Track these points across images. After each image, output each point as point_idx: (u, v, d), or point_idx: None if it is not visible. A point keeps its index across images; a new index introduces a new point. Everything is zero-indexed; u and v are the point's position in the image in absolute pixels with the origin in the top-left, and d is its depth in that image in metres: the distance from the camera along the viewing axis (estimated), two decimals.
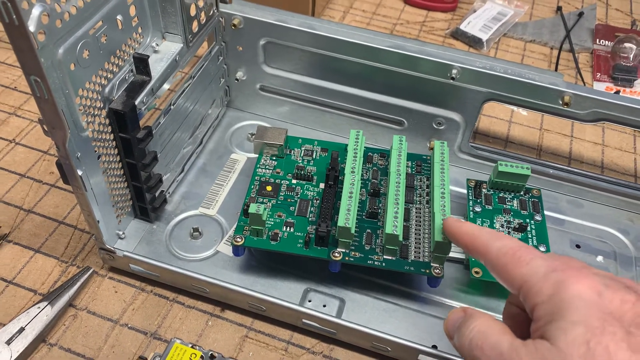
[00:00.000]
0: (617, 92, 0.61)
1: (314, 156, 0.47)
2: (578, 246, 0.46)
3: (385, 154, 0.47)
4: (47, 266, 0.44)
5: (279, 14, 0.48)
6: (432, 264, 0.39)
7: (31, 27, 0.28)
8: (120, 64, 0.38)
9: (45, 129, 0.34)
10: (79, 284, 0.42)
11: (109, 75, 0.37)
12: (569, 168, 0.50)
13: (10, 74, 0.59)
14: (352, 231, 0.39)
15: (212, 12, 0.46)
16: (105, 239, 0.41)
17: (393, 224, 0.39)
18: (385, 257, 0.40)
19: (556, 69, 0.63)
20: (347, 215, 0.39)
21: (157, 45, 0.42)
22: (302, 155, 0.47)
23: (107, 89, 0.37)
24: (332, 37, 0.47)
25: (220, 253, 0.44)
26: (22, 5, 0.28)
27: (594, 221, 0.48)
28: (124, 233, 0.44)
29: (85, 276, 0.43)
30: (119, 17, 0.37)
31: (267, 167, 0.46)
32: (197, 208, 0.47)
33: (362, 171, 0.45)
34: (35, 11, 0.29)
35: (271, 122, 0.54)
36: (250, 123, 0.54)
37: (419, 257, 0.40)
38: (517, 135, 0.56)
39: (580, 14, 0.70)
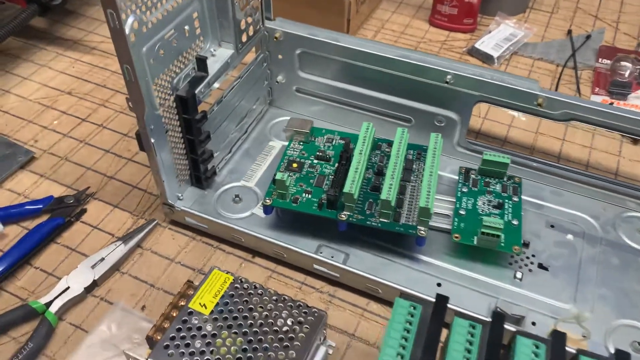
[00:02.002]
0: (611, 103, 0.69)
1: (333, 143, 0.58)
2: (552, 226, 0.55)
3: (391, 144, 0.58)
4: (123, 217, 0.57)
5: (311, 29, 0.60)
6: (418, 227, 0.50)
7: (127, 30, 0.41)
8: (185, 62, 0.51)
9: (131, 105, 0.47)
10: (145, 230, 0.55)
11: (177, 70, 0.50)
12: (553, 163, 0.59)
13: (102, 75, 0.74)
14: (355, 197, 0.49)
15: (258, 26, 0.59)
16: (168, 196, 0.53)
17: (387, 192, 0.49)
18: (381, 219, 0.50)
19: (558, 84, 0.72)
20: (352, 185, 0.50)
21: (214, 50, 0.55)
22: (324, 142, 0.58)
23: (175, 80, 0.50)
24: (353, 48, 0.58)
25: (254, 215, 0.56)
26: (122, 16, 0.41)
27: (570, 208, 0.57)
28: (182, 195, 0.56)
29: (151, 226, 0.55)
30: (186, 27, 0.50)
31: (295, 149, 0.58)
32: (240, 180, 0.59)
33: (371, 155, 0.56)
34: (130, 20, 0.42)
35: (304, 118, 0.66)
36: (287, 119, 0.66)
37: (409, 222, 0.50)
38: (515, 136, 0.66)
39: (588, 37, 0.79)
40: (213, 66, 0.53)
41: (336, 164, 0.56)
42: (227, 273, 0.46)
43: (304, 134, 0.58)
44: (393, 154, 0.53)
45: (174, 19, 0.48)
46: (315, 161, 0.56)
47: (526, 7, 0.86)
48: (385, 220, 0.50)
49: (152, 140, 0.49)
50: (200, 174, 0.56)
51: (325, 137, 0.59)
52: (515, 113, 0.68)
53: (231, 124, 0.60)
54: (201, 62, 0.51)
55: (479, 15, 0.82)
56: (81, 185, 0.59)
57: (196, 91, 0.51)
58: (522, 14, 0.85)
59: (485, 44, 0.75)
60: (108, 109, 0.69)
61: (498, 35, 0.77)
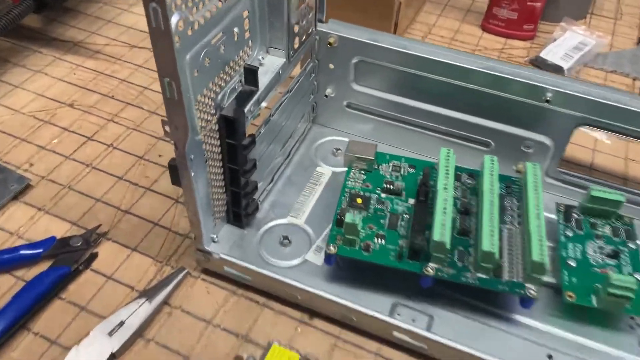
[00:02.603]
0: None
1: (401, 172, 0.48)
2: None
3: (473, 174, 0.47)
4: (144, 264, 0.45)
5: (371, 33, 0.49)
6: (526, 285, 0.39)
7: (172, 31, 0.30)
8: (232, 74, 0.40)
9: (168, 129, 0.36)
10: (174, 282, 0.44)
11: (222, 84, 0.39)
12: None
13: (108, 83, 0.62)
14: (448, 246, 0.39)
15: (310, 30, 0.48)
16: (204, 240, 0.43)
17: (490, 241, 0.39)
18: (479, 275, 0.40)
19: None
20: (442, 230, 0.39)
21: (262, 58, 0.44)
22: (390, 170, 0.48)
23: (219, 97, 0.39)
24: (424, 57, 0.48)
25: (308, 262, 0.45)
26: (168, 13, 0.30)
27: None
28: (217, 237, 0.45)
29: (180, 276, 0.44)
30: (235, 29, 0.39)
31: (356, 180, 0.47)
32: (286, 217, 0.48)
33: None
34: (174, 19, 0.31)
35: (355, 139, 0.55)
36: (335, 139, 0.55)
37: (513, 277, 0.40)
38: (601, 163, 0.56)
39: None
40: (262, 78, 0.42)
41: (410, 200, 0.45)
42: (290, 349, 0.36)
43: (367, 161, 0.47)
44: (485, 190, 0.43)
45: (222, 19, 0.37)
46: (383, 195, 0.46)
47: (586, 13, 0.76)
48: (485, 277, 0.40)
49: (192, 174, 0.38)
50: (240, 210, 0.46)
51: (391, 164, 0.49)
52: (598, 135, 0.59)
53: (276, 148, 0.49)
54: (251, 74, 0.41)
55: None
56: (90, 222, 0.48)
57: (245, 110, 0.40)
58: (583, 20, 0.75)
59: (553, 54, 0.65)
60: (118, 125, 0.57)
61: (565, 43, 0.67)
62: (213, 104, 0.39)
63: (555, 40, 0.68)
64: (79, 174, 0.52)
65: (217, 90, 0.39)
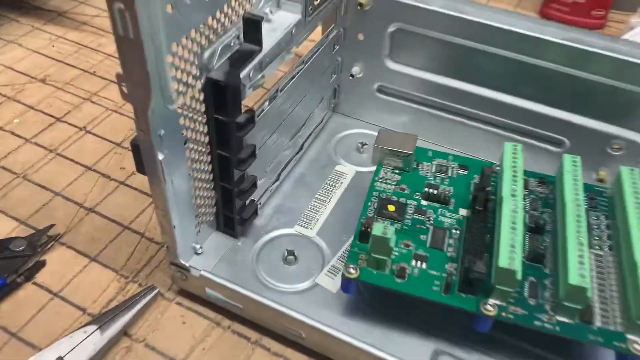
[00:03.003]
0: None
1: (449, 174, 0.36)
2: None
3: (545, 180, 0.36)
4: (103, 279, 0.35)
5: None
6: (627, 336, 0.27)
7: None
8: (226, 24, 0.29)
9: (125, 90, 0.25)
10: (138, 306, 0.33)
11: (211, 36, 0.28)
12: None
13: (91, 58, 0.52)
14: (518, 276, 0.27)
15: None
16: (180, 252, 0.31)
17: (579, 271, 0.27)
18: (559, 318, 0.28)
19: None
20: (512, 253, 0.28)
21: (271, 12, 0.33)
22: (433, 171, 0.36)
23: (206, 54, 0.28)
24: (486, 24, 0.36)
25: (319, 286, 0.33)
26: None
27: None
28: (201, 247, 0.34)
29: (148, 298, 0.33)
30: None
31: (388, 181, 0.36)
32: (293, 226, 0.37)
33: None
34: None
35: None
36: (361, 132, 0.44)
37: (609, 324, 0.28)
38: None
39: None
40: (269, 37, 0.32)
41: (461, 210, 0.34)
42: None
43: (404, 156, 0.36)
44: (568, 201, 0.31)
45: None
46: (425, 203, 0.34)
47: None
48: (568, 321, 0.28)
49: (160, 157, 0.27)
50: (233, 214, 0.34)
51: (435, 163, 0.37)
52: None
53: (283, 137, 0.38)
54: (252, 27, 0.30)
55: None
56: (42, 221, 0.37)
57: (242, 74, 0.29)
58: None
59: None
60: (96, 106, 0.47)
61: None
62: (197, 62, 0.28)
63: (632, 28, 0.56)
64: (39, 161, 0.42)
65: (204, 43, 0.28)
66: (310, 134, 0.42)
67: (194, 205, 0.32)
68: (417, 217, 0.33)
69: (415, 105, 0.42)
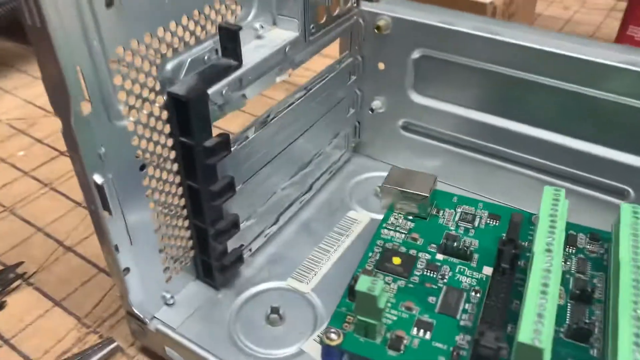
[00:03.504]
0: None
1: (475, 224, 0.30)
2: None
3: (598, 236, 0.28)
4: (62, 327, 0.30)
5: (444, 13, 0.33)
6: None
7: None
8: (199, 35, 0.25)
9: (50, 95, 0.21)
10: None
11: (177, 45, 0.24)
12: None
13: None
14: (546, 357, 0.20)
15: (349, 4, 0.33)
16: (134, 299, 0.26)
17: (633, 357, 0.20)
18: None
19: None
20: (538, 326, 0.20)
21: (262, 28, 0.29)
22: (456, 219, 0.30)
23: (169, 66, 0.24)
24: (528, 47, 0.30)
25: (305, 354, 0.27)
26: None
27: None
28: (172, 297, 0.29)
29: (104, 352, 0.28)
30: None
31: (398, 228, 0.29)
32: (285, 278, 0.31)
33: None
34: None
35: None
36: (382, 175, 0.38)
37: None
38: None
39: None
40: (254, 53, 0.27)
41: (485, 269, 0.27)
42: None
43: (420, 199, 0.30)
44: (624, 262, 0.23)
45: None
46: (440, 257, 0.28)
47: None
48: None
49: (99, 180, 0.22)
50: (209, 259, 0.29)
51: (460, 210, 0.31)
52: None
53: (281, 173, 0.33)
54: (228, 36, 0.25)
55: None
56: (16, 258, 0.34)
57: (210, 91, 0.25)
58: None
59: None
60: None
61: None
62: (157, 74, 0.24)
63: None
64: (31, 195, 0.39)
65: (167, 53, 0.24)
66: (322, 174, 0.37)
67: (158, 245, 0.27)
68: (427, 273, 0.27)
69: (445, 146, 0.36)
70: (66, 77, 0.20)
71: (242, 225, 0.30)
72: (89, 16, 0.20)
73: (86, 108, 0.21)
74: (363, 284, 0.23)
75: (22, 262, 0.33)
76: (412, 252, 0.28)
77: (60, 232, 0.36)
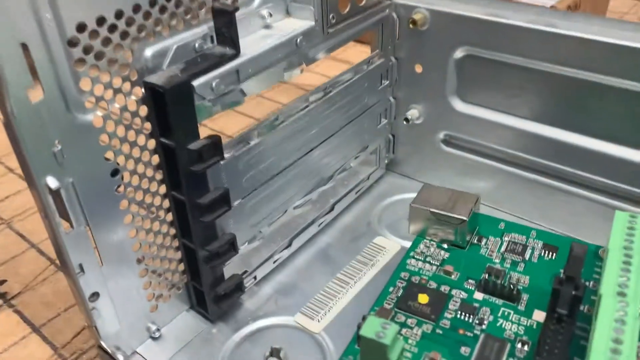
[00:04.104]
0: None
1: (526, 256, 0.24)
2: None
3: None
4: (37, 357, 0.26)
5: (491, 4, 0.28)
6: None
7: None
8: (188, 18, 0.21)
9: None
10: None
11: (158, 29, 0.20)
12: None
13: None
14: None
15: None
16: (106, 332, 0.22)
17: None
18: None
19: None
20: None
21: (270, 16, 0.24)
22: (501, 250, 0.24)
23: (149, 52, 0.20)
24: (595, 40, 0.25)
25: None
26: None
27: None
28: (159, 330, 0.25)
29: None
30: None
31: (428, 258, 0.24)
32: (293, 314, 0.26)
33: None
34: None
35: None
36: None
37: None
38: None
39: None
40: (259, 43, 0.23)
41: (536, 313, 0.21)
42: None
43: (456, 224, 0.24)
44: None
45: None
46: (479, 296, 0.22)
47: None
48: None
49: (53, 184, 0.19)
50: (201, 287, 0.25)
51: (507, 238, 0.25)
52: None
53: (293, 189, 0.28)
54: (223, 20, 0.21)
55: None
56: (1, 274, 0.31)
57: (195, 83, 0.20)
58: None
59: None
60: None
61: None
62: (133, 60, 0.20)
63: None
64: (31, 209, 0.36)
65: (144, 35, 0.20)
66: (346, 194, 0.32)
67: (137, 269, 0.23)
68: (461, 317, 0.21)
69: (493, 163, 0.31)
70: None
71: (242, 248, 0.26)
72: None
73: (35, 94, 0.18)
74: (370, 327, 0.17)
75: (4, 281, 0.30)
76: (444, 288, 0.22)
77: (53, 250, 0.32)
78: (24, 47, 0.17)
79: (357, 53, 0.48)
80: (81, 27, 0.18)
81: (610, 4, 0.58)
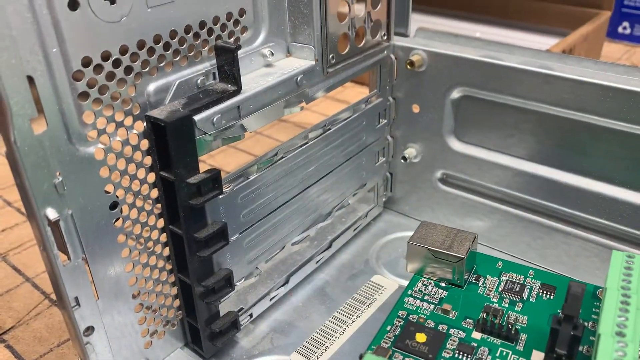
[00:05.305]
0: None
1: (524, 296, 0.24)
2: None
3: None
4: None
5: (487, 46, 0.29)
6: None
7: None
8: (191, 55, 0.22)
9: None
10: None
11: (162, 65, 0.21)
12: None
13: None
14: None
15: (378, 36, 0.29)
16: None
17: None
18: None
19: None
20: None
21: (272, 55, 0.25)
22: (499, 289, 0.24)
23: (152, 87, 0.21)
24: (590, 83, 0.25)
25: None
26: None
27: None
28: None
29: None
30: None
31: (426, 297, 0.24)
32: (289, 353, 0.26)
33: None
34: None
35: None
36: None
37: None
38: None
39: None
40: (259, 80, 0.24)
41: (535, 354, 0.21)
42: None
43: (454, 262, 0.24)
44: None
45: None
46: (477, 336, 0.22)
47: None
48: None
49: (52, 215, 0.19)
50: (197, 324, 0.24)
51: (505, 277, 0.25)
52: None
53: (291, 225, 0.28)
54: (225, 55, 0.22)
55: None
56: None
57: (197, 117, 0.21)
58: None
59: None
60: None
61: None
62: (134, 94, 0.20)
63: None
64: (29, 242, 0.36)
65: (149, 72, 0.20)
66: (344, 231, 0.32)
67: (137, 302, 0.23)
68: (459, 356, 0.21)
69: (490, 203, 0.31)
70: (6, 85, 0.16)
71: (239, 284, 0.26)
72: (47, 18, 0.17)
73: (39, 126, 0.18)
74: None
75: None
76: (442, 327, 0.22)
77: (48, 284, 0.32)
78: (30, 79, 0.17)
79: (355, 94, 0.49)
80: (86, 62, 0.19)
81: (604, 50, 0.60)
